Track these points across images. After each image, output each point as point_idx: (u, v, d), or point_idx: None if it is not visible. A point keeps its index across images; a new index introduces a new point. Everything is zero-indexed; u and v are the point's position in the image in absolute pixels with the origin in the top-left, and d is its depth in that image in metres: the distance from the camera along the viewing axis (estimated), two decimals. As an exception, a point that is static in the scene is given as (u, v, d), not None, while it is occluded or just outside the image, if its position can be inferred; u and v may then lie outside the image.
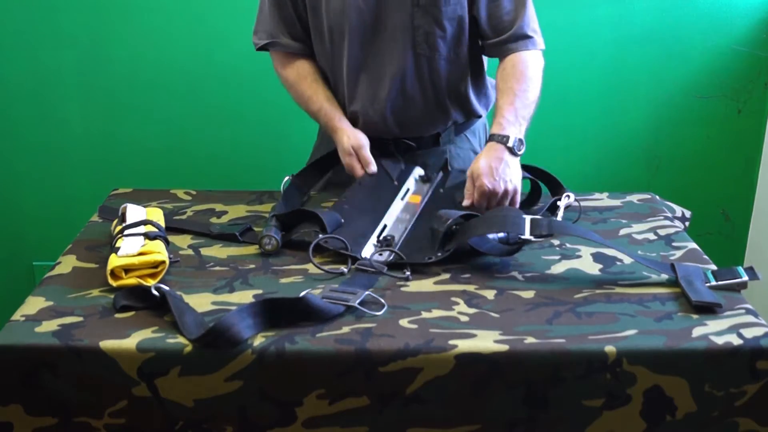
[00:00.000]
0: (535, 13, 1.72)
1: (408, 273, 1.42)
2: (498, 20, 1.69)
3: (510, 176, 1.55)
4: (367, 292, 1.33)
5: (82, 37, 2.31)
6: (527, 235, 1.43)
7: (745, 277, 1.39)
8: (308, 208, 1.55)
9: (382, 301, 1.32)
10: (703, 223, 2.47)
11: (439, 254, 1.45)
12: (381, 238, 1.52)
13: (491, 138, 1.58)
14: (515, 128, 1.58)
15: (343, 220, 1.53)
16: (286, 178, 1.71)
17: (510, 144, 1.56)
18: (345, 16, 1.66)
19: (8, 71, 2.34)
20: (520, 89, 1.62)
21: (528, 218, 1.46)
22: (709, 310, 1.31)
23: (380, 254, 1.48)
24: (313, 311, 1.26)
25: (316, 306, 1.27)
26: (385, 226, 1.56)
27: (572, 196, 1.62)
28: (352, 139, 1.71)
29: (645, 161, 2.48)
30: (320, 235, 1.47)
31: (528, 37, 1.69)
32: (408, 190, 1.69)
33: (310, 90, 1.76)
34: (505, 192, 1.55)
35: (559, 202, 1.60)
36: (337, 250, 1.46)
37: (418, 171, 1.75)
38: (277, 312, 1.25)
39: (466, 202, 1.56)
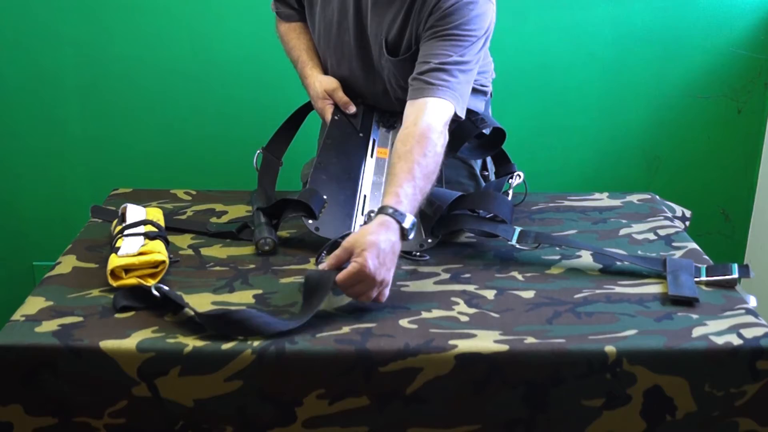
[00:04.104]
0: (466, 82, 1.55)
1: (417, 253, 1.49)
2: (420, 60, 1.55)
3: (391, 267, 1.32)
4: None
5: (82, 37, 2.30)
6: (514, 242, 1.49)
7: (736, 274, 1.39)
8: (291, 196, 1.56)
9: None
10: (703, 223, 2.46)
11: (429, 241, 1.52)
12: (364, 215, 1.55)
13: (385, 210, 1.35)
14: (412, 206, 1.38)
15: (325, 197, 1.56)
16: (258, 151, 1.75)
17: (406, 225, 1.35)
18: (332, 27, 1.67)
19: (7, 72, 2.34)
20: (420, 154, 1.42)
21: (518, 229, 1.50)
22: (686, 303, 1.32)
23: None
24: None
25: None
26: (365, 197, 1.59)
27: (522, 175, 1.68)
28: (325, 83, 1.72)
29: (645, 161, 2.47)
30: (310, 222, 1.52)
31: (435, 85, 1.50)
32: (374, 141, 1.70)
33: (294, 40, 1.79)
34: (382, 282, 1.30)
35: (510, 180, 1.68)
36: (332, 239, 1.48)
37: (377, 114, 1.75)
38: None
39: (323, 266, 1.34)
